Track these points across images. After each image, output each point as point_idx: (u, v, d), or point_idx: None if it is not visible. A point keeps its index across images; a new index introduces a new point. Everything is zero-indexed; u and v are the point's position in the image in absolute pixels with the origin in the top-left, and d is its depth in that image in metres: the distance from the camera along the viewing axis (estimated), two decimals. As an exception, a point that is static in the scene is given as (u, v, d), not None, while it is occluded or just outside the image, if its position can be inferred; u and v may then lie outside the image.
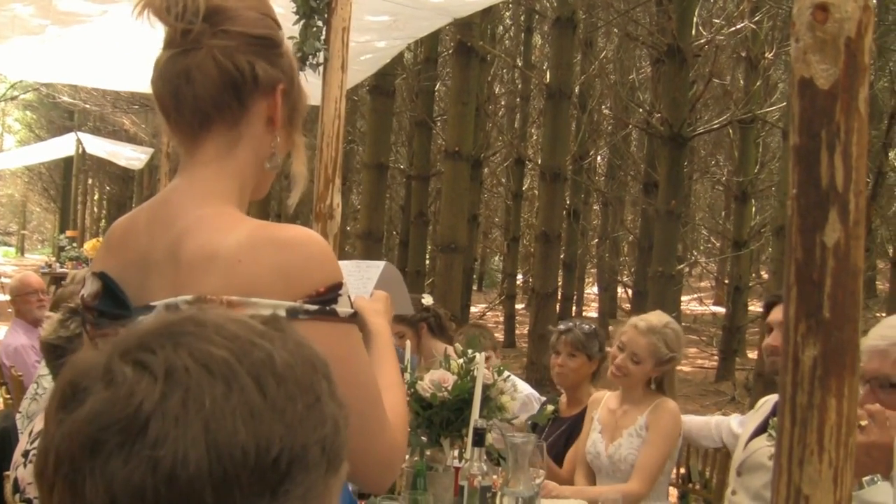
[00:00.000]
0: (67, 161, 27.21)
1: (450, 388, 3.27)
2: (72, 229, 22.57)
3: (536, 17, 18.23)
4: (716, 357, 15.39)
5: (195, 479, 0.80)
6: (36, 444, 3.16)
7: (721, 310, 19.40)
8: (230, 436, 0.82)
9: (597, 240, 21.85)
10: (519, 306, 21.20)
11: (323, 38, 4.62)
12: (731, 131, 16.30)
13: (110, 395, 0.83)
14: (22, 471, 3.13)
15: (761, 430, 3.78)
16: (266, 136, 1.69)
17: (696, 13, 12.26)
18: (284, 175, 1.86)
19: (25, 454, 3.16)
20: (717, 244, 23.32)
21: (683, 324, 19.53)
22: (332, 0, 4.60)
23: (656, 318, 4.21)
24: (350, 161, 19.12)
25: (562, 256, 15.81)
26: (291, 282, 1.49)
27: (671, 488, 4.39)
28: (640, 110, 15.73)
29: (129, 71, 8.68)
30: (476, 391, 3.21)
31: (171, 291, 1.51)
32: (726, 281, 17.37)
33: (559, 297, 15.59)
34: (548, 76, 13.85)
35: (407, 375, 3.40)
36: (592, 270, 24.73)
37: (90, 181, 36.15)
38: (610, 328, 15.89)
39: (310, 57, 4.59)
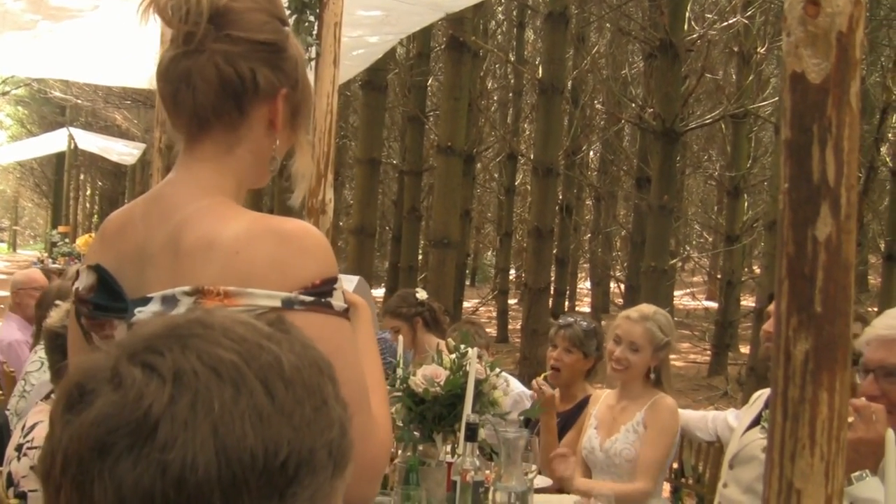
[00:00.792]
0: (59, 156, 27.10)
1: (442, 383, 3.27)
2: (64, 225, 22.48)
3: (529, 12, 18.22)
4: (708, 352, 15.41)
5: (204, 483, 0.81)
6: (28, 437, 3.16)
7: (714, 304, 19.42)
8: (239, 439, 0.82)
9: (589, 235, 21.89)
10: (512, 301, 21.20)
11: (315, 33, 4.61)
12: (723, 126, 16.34)
13: (119, 397, 0.83)
14: (15, 465, 3.13)
15: (755, 423, 3.79)
16: (266, 139, 1.68)
17: (688, 8, 12.26)
18: (282, 174, 1.85)
19: (18, 448, 3.16)
20: (710, 239, 23.34)
21: (676, 318, 19.48)
22: (323, -5, 4.59)
23: (645, 307, 4.28)
24: (342, 156, 19.12)
25: (554, 251, 15.83)
26: (287, 273, 1.49)
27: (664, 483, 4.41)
28: (633, 105, 15.75)
29: (120, 66, 8.67)
30: (468, 386, 3.21)
31: (169, 282, 1.52)
32: (719, 276, 17.39)
33: (552, 293, 15.60)
34: (540, 71, 13.83)
35: (400, 370, 3.41)
36: (585, 265, 24.76)
37: (82, 177, 36.03)
38: (603, 323, 15.90)
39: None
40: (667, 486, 4.61)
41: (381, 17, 7.23)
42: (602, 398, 4.29)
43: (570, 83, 15.97)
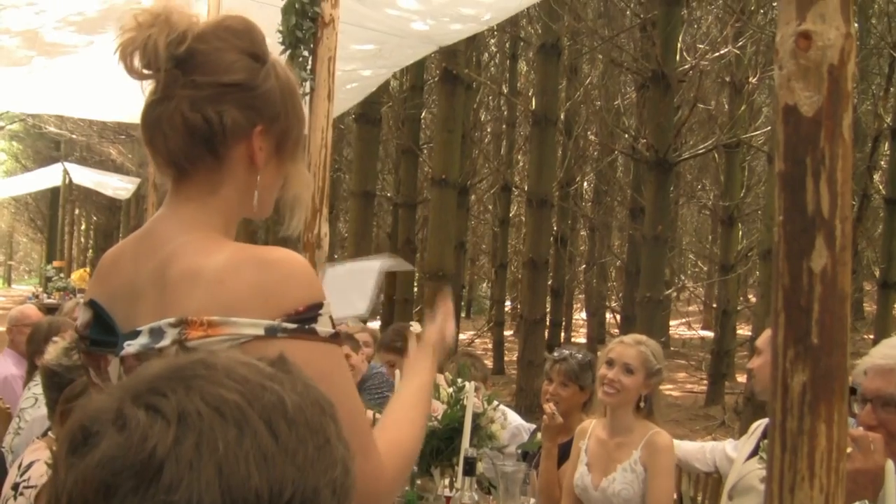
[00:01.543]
0: (54, 191, 27.12)
1: (440, 416, 3.26)
2: (59, 259, 22.49)
3: (521, 44, 18.31)
4: (705, 381, 15.38)
5: None
6: (25, 476, 3.14)
7: (709, 334, 19.42)
8: (243, 480, 0.82)
9: (584, 265, 21.87)
10: (507, 333, 21.16)
11: (309, 67, 4.64)
12: (716, 156, 16.39)
13: (123, 439, 0.83)
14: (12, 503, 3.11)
15: (753, 453, 3.77)
16: (249, 177, 1.68)
17: (680, 39, 12.32)
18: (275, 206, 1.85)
19: (15, 487, 3.14)
20: (705, 268, 23.38)
21: (672, 348, 19.56)
22: (317, 30, 4.62)
23: (637, 335, 4.27)
24: (337, 189, 19.14)
25: (549, 282, 15.81)
26: (270, 300, 1.49)
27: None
28: (626, 136, 15.80)
29: (115, 101, 8.69)
30: (466, 420, 3.20)
31: (157, 314, 1.52)
32: (714, 305, 17.39)
33: (548, 324, 15.58)
34: (533, 103, 13.89)
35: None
36: (580, 296, 24.72)
37: (77, 211, 36.05)
38: (598, 354, 15.85)
39: (296, 87, 4.60)
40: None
41: (374, 50, 7.27)
42: (590, 429, 4.16)
43: (563, 114, 16.00)
